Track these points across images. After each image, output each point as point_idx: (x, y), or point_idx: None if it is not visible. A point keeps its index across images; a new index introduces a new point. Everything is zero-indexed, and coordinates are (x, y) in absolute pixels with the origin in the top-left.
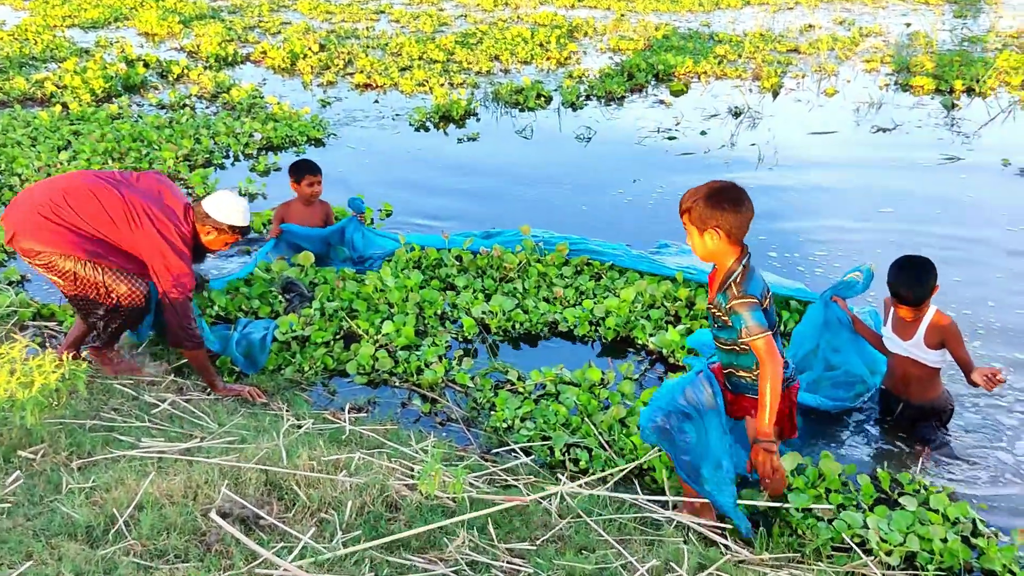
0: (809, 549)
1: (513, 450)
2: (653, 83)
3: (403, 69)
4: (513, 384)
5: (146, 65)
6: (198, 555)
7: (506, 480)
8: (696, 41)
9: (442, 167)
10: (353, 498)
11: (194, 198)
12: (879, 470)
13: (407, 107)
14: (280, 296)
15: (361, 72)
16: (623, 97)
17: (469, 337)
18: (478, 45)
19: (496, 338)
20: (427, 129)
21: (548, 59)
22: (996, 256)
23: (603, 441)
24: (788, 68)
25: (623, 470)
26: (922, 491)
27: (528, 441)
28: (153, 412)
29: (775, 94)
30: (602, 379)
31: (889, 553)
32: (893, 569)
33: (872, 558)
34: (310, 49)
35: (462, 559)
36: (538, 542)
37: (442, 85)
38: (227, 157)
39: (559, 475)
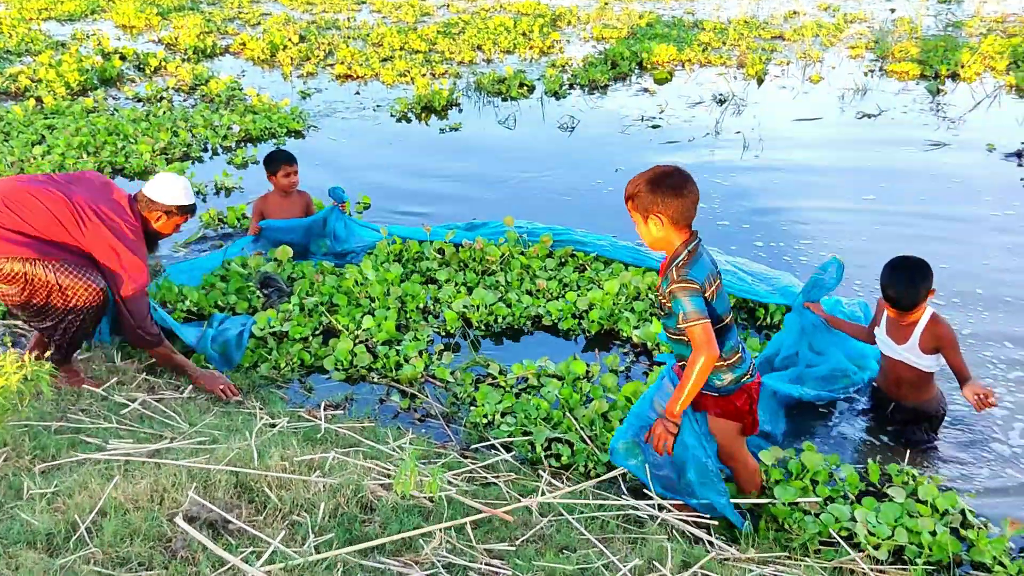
0: (796, 544)
1: (493, 446)
2: (637, 71)
3: (384, 60)
4: (495, 378)
5: (123, 58)
6: (162, 562)
7: (485, 478)
8: (680, 29)
9: (424, 159)
10: (326, 500)
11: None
12: (870, 461)
13: (388, 98)
14: (258, 291)
15: (342, 63)
16: (607, 86)
17: (451, 332)
18: (460, 35)
19: (478, 333)
20: (409, 120)
21: (531, 48)
22: (981, 238)
23: (585, 436)
24: (773, 55)
25: (606, 478)
26: (910, 482)
27: (509, 437)
28: (123, 412)
29: (760, 81)
30: (587, 372)
31: (877, 547)
32: (881, 563)
33: (860, 553)
34: (290, 40)
35: (439, 562)
36: (518, 542)
37: (424, 75)
38: (205, 150)
39: (540, 472)
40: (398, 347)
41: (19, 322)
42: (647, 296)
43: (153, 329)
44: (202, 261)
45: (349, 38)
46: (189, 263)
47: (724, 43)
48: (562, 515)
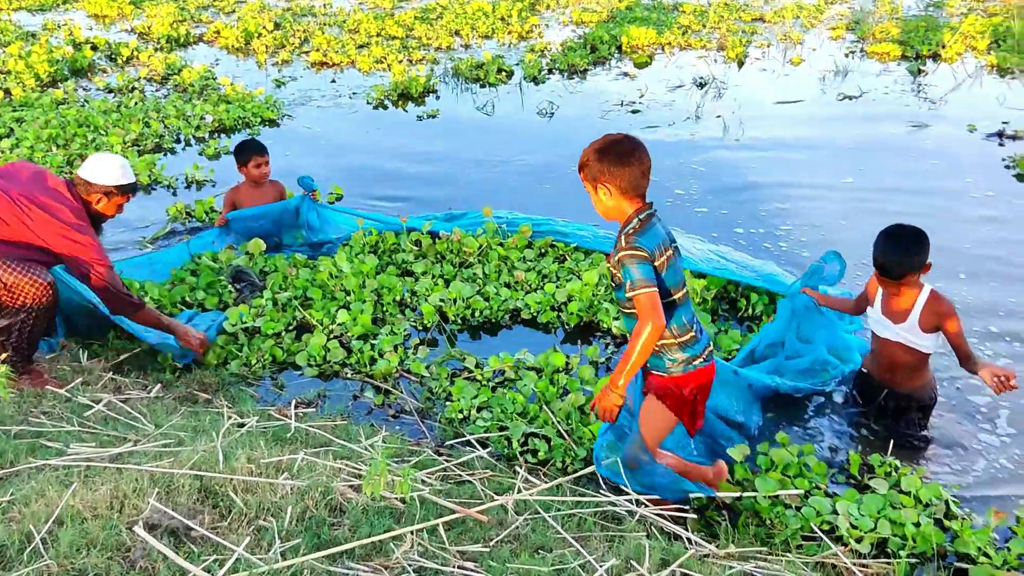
0: (778, 540)
1: (469, 442)
2: (616, 55)
3: (361, 46)
4: (471, 372)
5: (94, 48)
6: (120, 573)
7: (460, 476)
8: (660, 12)
9: (400, 146)
10: (294, 503)
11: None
12: (851, 452)
13: (364, 85)
14: (230, 286)
15: (317, 50)
16: (586, 70)
17: (428, 325)
18: (438, 20)
19: (454, 327)
20: (385, 107)
21: (509, 33)
22: (962, 218)
23: (562, 430)
24: (753, 37)
25: (583, 474)
26: (893, 473)
27: (485, 432)
28: (86, 415)
29: (740, 64)
30: (566, 364)
31: (860, 540)
32: (864, 557)
33: (842, 546)
34: (265, 28)
35: (409, 566)
36: (492, 543)
37: (400, 62)
38: (178, 141)
39: (517, 468)
40: (373, 342)
41: None
42: None
43: (132, 294)
44: (161, 255)
45: (325, 25)
46: (147, 256)
47: (704, 26)
48: (539, 513)
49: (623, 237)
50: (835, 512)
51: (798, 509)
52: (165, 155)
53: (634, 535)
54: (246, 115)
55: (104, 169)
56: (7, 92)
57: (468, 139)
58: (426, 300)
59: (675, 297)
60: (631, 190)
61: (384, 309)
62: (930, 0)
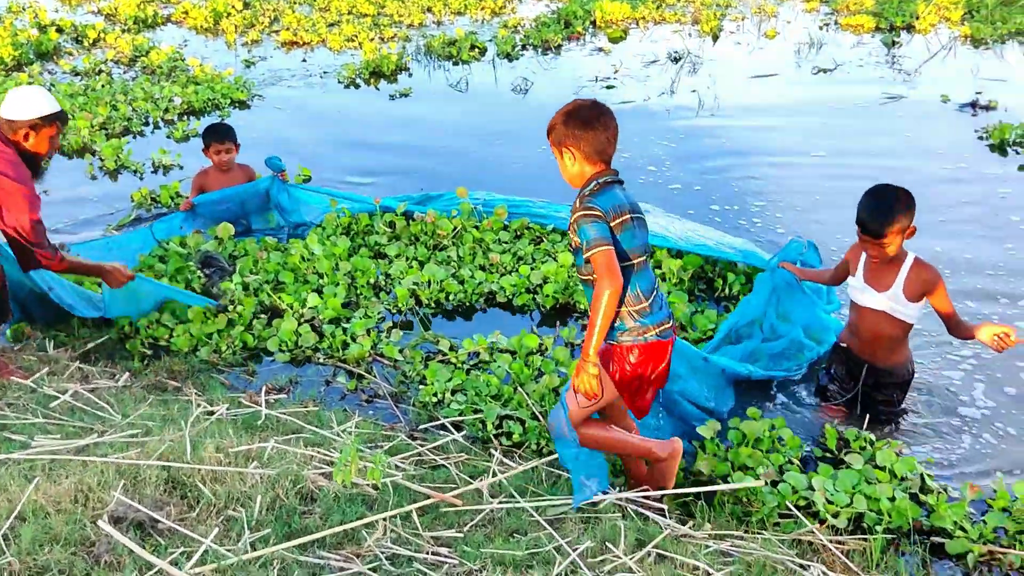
0: (755, 519)
1: (443, 426)
2: (591, 30)
3: (331, 25)
4: (445, 355)
5: (60, 30)
6: (84, 569)
7: (435, 460)
8: None
9: (373, 126)
10: (263, 492)
11: None
12: (827, 426)
13: (336, 64)
14: (199, 271)
15: (287, 29)
16: (560, 46)
17: (402, 309)
18: None
19: (428, 311)
20: (357, 86)
21: (482, 9)
22: (934, 188)
23: (537, 412)
24: (727, 11)
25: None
26: (868, 448)
27: (459, 415)
28: (52, 405)
29: (715, 38)
30: (540, 346)
31: (836, 515)
32: (840, 533)
33: (819, 523)
34: (234, 7)
35: (382, 553)
36: (466, 528)
37: (372, 40)
38: (147, 124)
39: (492, 451)
40: (345, 326)
41: None
42: None
43: (47, 245)
44: (122, 239)
45: (295, 3)
46: (106, 240)
47: None
48: (513, 496)
49: (579, 199)
50: (811, 488)
51: (775, 485)
52: (134, 138)
53: (609, 516)
54: (216, 96)
55: (24, 102)
56: None
57: (442, 118)
58: (399, 283)
59: (632, 262)
60: (595, 155)
61: (358, 292)
62: None
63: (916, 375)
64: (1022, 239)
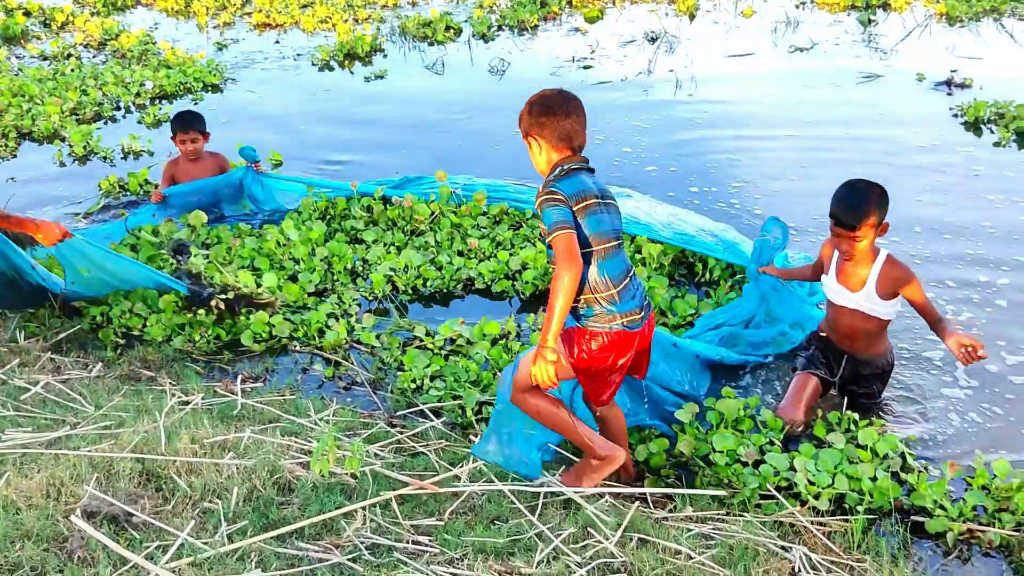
0: (736, 500)
1: (422, 412)
2: (567, 10)
3: (304, 6)
4: (422, 341)
5: (27, 14)
6: (57, 565)
7: (414, 448)
8: None
9: (348, 109)
10: (240, 483)
11: None
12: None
13: (309, 46)
14: (171, 259)
15: (260, 11)
16: (536, 26)
17: (379, 295)
18: None
19: (405, 297)
20: (331, 68)
21: None
22: (910, 167)
23: None
24: None
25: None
26: (851, 428)
27: (438, 401)
28: (23, 397)
29: (692, 17)
30: (511, 332)
31: (817, 496)
32: (822, 514)
33: (801, 504)
34: None
35: (361, 543)
36: (447, 515)
37: (346, 21)
38: (118, 109)
39: (471, 437)
40: (316, 310)
41: None
42: None
43: None
44: (96, 231)
45: None
46: (82, 233)
47: None
48: (492, 482)
49: (543, 185)
50: (792, 469)
51: (756, 466)
52: (106, 123)
53: (590, 502)
54: (187, 80)
55: None
56: None
57: (418, 100)
58: (375, 270)
59: (593, 248)
60: (560, 143)
61: (334, 278)
62: None
63: (898, 353)
64: (993, 209)
